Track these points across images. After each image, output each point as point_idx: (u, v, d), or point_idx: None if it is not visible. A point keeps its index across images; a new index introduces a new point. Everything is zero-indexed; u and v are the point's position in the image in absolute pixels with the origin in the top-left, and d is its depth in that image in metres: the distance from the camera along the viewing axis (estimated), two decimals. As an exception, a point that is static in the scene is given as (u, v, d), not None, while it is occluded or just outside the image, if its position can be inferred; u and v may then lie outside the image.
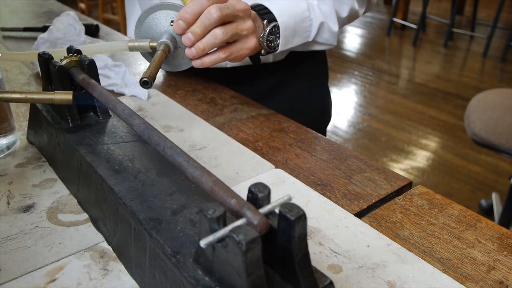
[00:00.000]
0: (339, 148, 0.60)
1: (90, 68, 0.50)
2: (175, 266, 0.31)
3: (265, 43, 0.67)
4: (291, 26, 0.71)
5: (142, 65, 0.90)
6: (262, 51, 0.68)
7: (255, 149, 0.59)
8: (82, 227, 0.44)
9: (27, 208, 0.46)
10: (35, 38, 0.82)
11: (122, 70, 0.78)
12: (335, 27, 0.76)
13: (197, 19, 0.56)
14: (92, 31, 1.07)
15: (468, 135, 1.39)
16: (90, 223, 0.44)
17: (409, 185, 0.52)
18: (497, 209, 1.82)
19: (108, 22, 3.92)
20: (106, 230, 0.42)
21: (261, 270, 0.26)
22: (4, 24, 1.16)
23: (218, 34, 0.57)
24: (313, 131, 0.64)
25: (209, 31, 0.57)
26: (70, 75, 0.50)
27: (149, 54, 0.61)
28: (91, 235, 0.43)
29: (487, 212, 1.87)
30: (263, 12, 0.68)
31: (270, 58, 0.81)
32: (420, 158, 2.34)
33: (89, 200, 0.45)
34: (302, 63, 0.88)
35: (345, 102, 2.96)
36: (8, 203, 0.47)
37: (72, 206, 0.47)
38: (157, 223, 0.35)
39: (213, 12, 0.55)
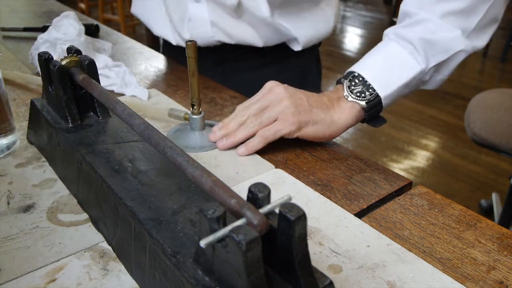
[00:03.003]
0: (339, 148, 0.60)
1: (90, 68, 0.50)
2: (175, 266, 0.31)
3: (353, 97, 0.59)
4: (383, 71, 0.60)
5: (142, 65, 0.90)
6: (365, 114, 0.60)
7: (255, 149, 0.59)
8: (82, 227, 0.44)
9: (27, 208, 0.46)
10: (35, 38, 0.82)
11: (122, 70, 0.78)
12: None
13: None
14: (92, 31, 1.07)
15: (468, 135, 1.39)
16: (90, 223, 0.44)
17: (409, 185, 0.52)
18: (497, 209, 1.82)
19: (108, 22, 3.92)
20: (106, 230, 0.42)
21: (261, 270, 0.26)
22: (4, 24, 1.16)
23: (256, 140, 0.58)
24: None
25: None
26: (70, 75, 0.50)
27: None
28: (91, 235, 0.42)
29: (487, 212, 1.87)
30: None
31: (260, 43, 0.81)
32: (420, 158, 2.34)
33: (89, 200, 0.45)
34: (294, 60, 0.89)
35: (345, 102, 2.95)
36: (8, 203, 0.47)
37: (72, 206, 0.47)
38: (157, 223, 0.35)
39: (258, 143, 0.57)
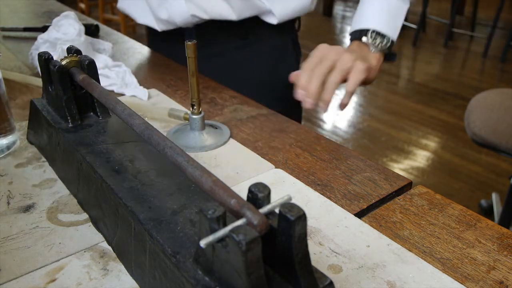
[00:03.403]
0: (339, 148, 0.60)
1: (90, 68, 0.50)
2: (175, 266, 0.31)
3: (378, 49, 0.73)
4: (387, 19, 0.75)
5: (142, 65, 0.90)
6: (388, 55, 0.75)
7: (255, 149, 0.59)
8: (82, 227, 0.44)
9: (27, 208, 0.46)
10: (35, 38, 0.82)
11: (122, 70, 0.78)
12: None
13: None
14: (92, 31, 1.07)
15: (468, 135, 1.39)
16: (90, 223, 0.44)
17: (409, 185, 0.52)
18: (497, 209, 1.82)
19: (108, 22, 3.92)
20: (106, 230, 0.42)
21: (261, 270, 0.26)
22: (4, 24, 1.16)
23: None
24: (313, 131, 0.64)
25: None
26: (70, 75, 0.50)
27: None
28: (91, 235, 0.42)
29: (487, 212, 1.87)
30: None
31: (234, 16, 0.82)
32: (420, 158, 2.34)
33: (89, 200, 0.45)
34: (270, 36, 0.90)
35: (345, 102, 2.95)
36: (8, 203, 0.47)
37: (72, 206, 0.47)
38: (157, 223, 0.35)
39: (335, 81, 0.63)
